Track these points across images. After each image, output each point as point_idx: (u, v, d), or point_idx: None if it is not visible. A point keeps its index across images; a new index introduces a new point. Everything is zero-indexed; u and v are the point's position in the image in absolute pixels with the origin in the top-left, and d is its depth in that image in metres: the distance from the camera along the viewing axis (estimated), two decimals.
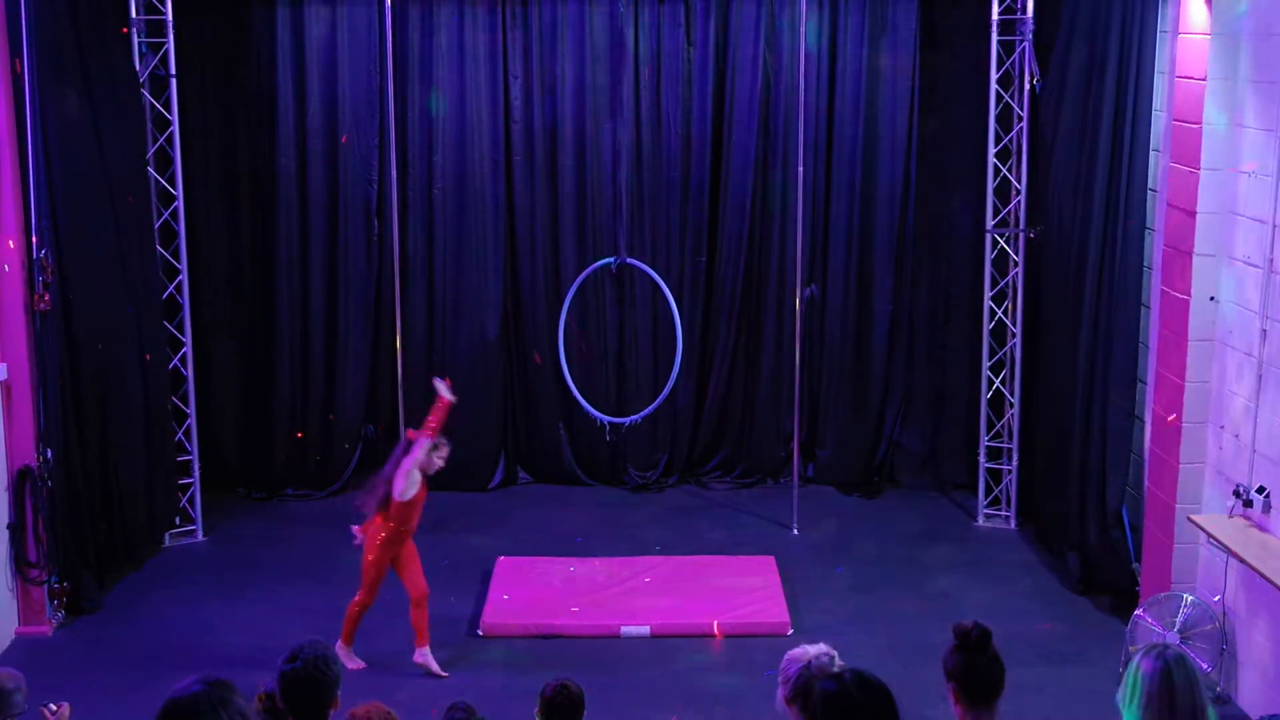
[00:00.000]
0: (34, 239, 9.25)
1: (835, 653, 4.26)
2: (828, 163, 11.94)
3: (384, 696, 8.31)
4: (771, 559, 10.53)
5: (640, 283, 11.99)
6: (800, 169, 11.19)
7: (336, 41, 11.63)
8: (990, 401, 11.57)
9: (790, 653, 4.30)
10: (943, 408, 12.41)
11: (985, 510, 11.59)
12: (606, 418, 11.40)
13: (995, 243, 11.36)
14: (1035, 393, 11.20)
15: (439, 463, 8.90)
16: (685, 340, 11.76)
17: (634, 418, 11.45)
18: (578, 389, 11.29)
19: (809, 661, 4.20)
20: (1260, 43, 8.25)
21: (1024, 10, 10.84)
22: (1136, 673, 4.17)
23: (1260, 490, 8.12)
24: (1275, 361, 8.07)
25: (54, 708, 5.44)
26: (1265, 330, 8.13)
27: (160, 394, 10.79)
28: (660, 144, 11.91)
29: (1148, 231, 9.58)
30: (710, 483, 12.42)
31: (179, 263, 10.98)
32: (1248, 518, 8.25)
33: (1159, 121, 9.42)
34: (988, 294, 11.40)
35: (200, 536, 11.17)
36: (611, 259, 11.53)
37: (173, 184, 10.88)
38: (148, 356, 10.50)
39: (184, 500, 11.12)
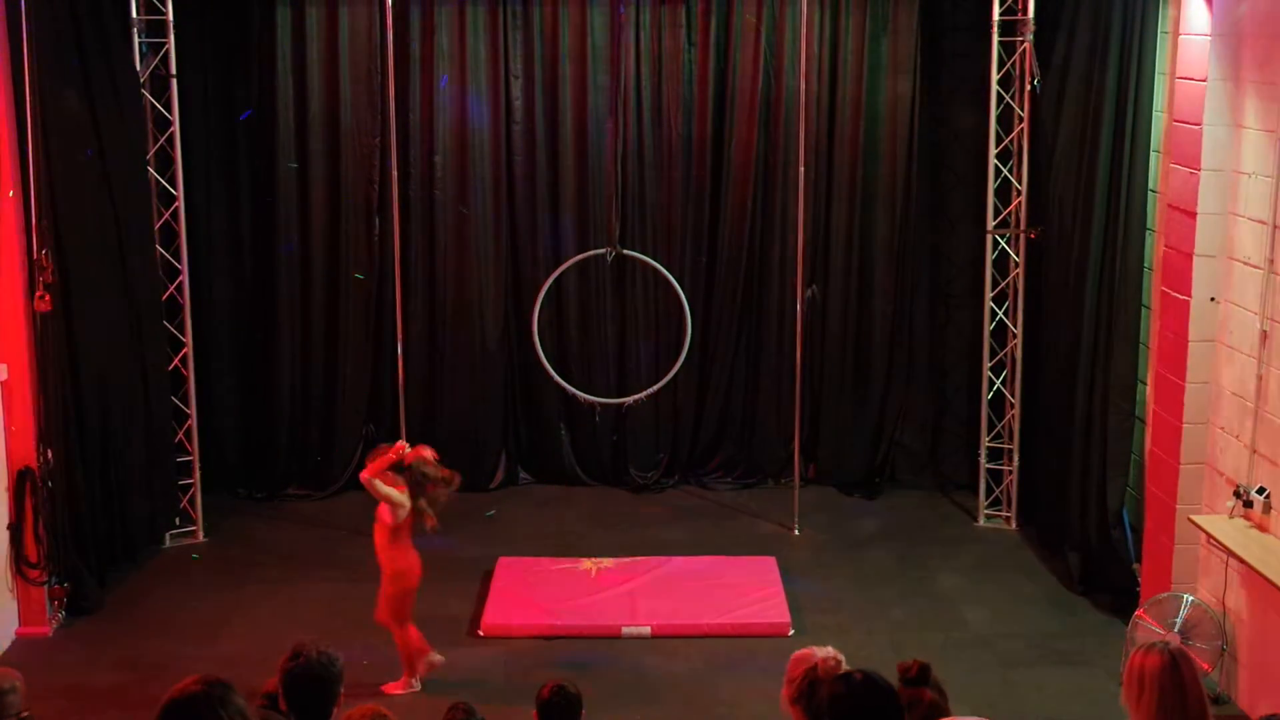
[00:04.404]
0: (34, 238, 9.25)
1: (842, 657, 4.24)
2: (828, 163, 11.93)
3: (384, 696, 8.23)
4: (772, 559, 10.52)
5: (638, 277, 12.00)
6: (801, 169, 11.18)
7: (337, 41, 11.62)
8: (991, 402, 11.56)
9: (796, 654, 4.29)
10: (943, 408, 12.41)
11: (986, 510, 11.58)
12: (594, 399, 11.41)
13: (996, 243, 11.35)
14: (1036, 393, 11.19)
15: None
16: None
17: (633, 399, 11.44)
18: (572, 383, 11.31)
19: (815, 664, 4.19)
20: (1261, 43, 8.24)
21: (1025, 11, 10.83)
22: (1142, 669, 4.16)
23: (1260, 490, 8.11)
24: (1275, 362, 8.07)
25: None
26: (1265, 331, 8.13)
27: (160, 394, 10.78)
28: (661, 144, 11.89)
29: (1148, 232, 9.58)
30: (711, 483, 12.41)
31: (179, 263, 10.97)
32: (1248, 518, 8.25)
33: (1159, 122, 9.42)
34: (988, 295, 11.39)
35: (201, 537, 11.16)
36: (606, 249, 11.52)
37: (173, 184, 10.87)
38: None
39: (184, 500, 11.12)
